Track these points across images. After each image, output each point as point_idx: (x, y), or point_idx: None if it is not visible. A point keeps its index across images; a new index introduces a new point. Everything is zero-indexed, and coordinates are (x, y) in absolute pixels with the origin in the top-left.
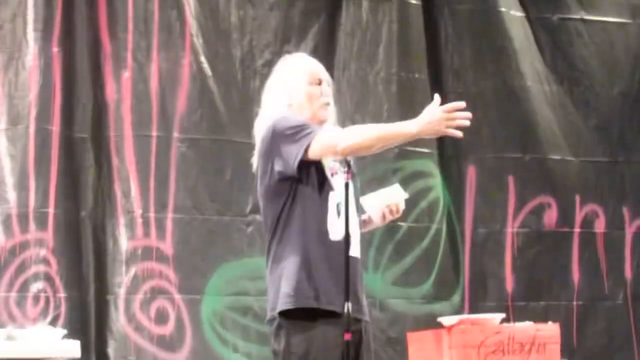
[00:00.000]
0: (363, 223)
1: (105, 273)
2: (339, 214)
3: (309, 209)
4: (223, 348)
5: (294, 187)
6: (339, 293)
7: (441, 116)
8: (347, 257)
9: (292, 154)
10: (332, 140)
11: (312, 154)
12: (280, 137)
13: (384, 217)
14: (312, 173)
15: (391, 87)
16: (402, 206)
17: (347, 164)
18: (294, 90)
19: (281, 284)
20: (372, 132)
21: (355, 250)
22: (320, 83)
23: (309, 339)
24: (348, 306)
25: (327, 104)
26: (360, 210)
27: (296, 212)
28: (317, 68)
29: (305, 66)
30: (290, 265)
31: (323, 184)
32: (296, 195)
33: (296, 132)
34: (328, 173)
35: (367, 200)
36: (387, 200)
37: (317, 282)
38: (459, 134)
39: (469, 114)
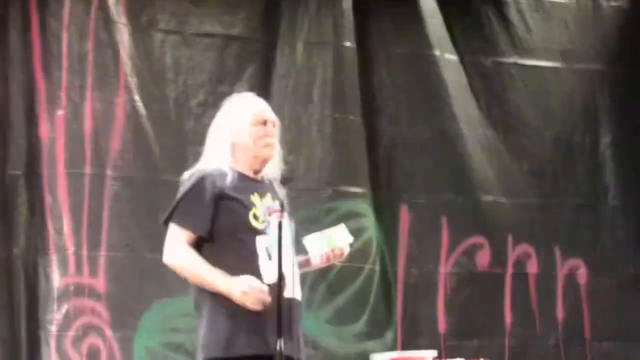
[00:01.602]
0: (305, 262)
1: (36, 310)
2: (269, 256)
3: (236, 255)
4: None
5: (213, 237)
6: (272, 334)
7: (245, 290)
8: (279, 299)
9: (167, 211)
10: (167, 246)
11: None
12: (182, 190)
13: (327, 259)
14: (230, 223)
15: (325, 128)
16: (346, 251)
17: (281, 204)
18: (238, 129)
19: (205, 332)
20: (192, 271)
21: (290, 291)
22: (265, 123)
23: None
24: (280, 344)
25: (271, 144)
26: (300, 249)
27: (224, 258)
28: (262, 108)
29: (251, 106)
30: (213, 313)
31: (245, 232)
32: (221, 243)
33: (176, 205)
34: (262, 216)
35: (310, 241)
36: (332, 244)
37: (243, 328)
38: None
39: (267, 300)
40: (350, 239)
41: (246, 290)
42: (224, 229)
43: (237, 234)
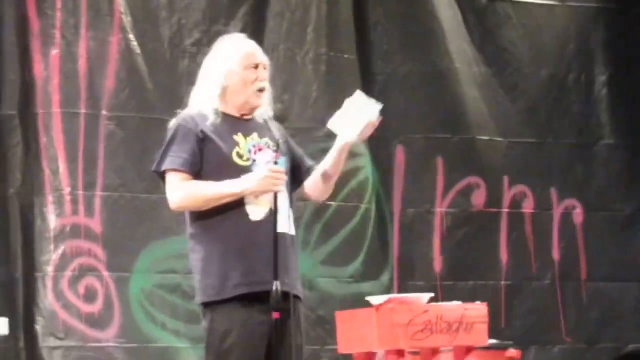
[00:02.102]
0: (322, 177)
1: (33, 251)
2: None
3: None
4: (151, 326)
5: (202, 179)
6: (266, 271)
7: (266, 175)
8: (276, 234)
9: (157, 159)
10: (169, 193)
11: None
12: (167, 137)
13: (362, 137)
14: (213, 164)
15: (320, 67)
16: (378, 120)
17: (276, 143)
18: (229, 73)
19: (200, 276)
20: (201, 196)
21: (283, 227)
22: (256, 67)
23: (231, 319)
24: (277, 285)
25: (262, 89)
26: (296, 183)
27: None
28: (254, 51)
29: (243, 49)
30: (204, 255)
31: (230, 171)
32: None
33: (163, 153)
34: (247, 154)
35: (338, 125)
36: (365, 121)
37: (237, 268)
38: (281, 189)
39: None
40: (378, 105)
41: (269, 174)
42: (209, 170)
43: (222, 173)
